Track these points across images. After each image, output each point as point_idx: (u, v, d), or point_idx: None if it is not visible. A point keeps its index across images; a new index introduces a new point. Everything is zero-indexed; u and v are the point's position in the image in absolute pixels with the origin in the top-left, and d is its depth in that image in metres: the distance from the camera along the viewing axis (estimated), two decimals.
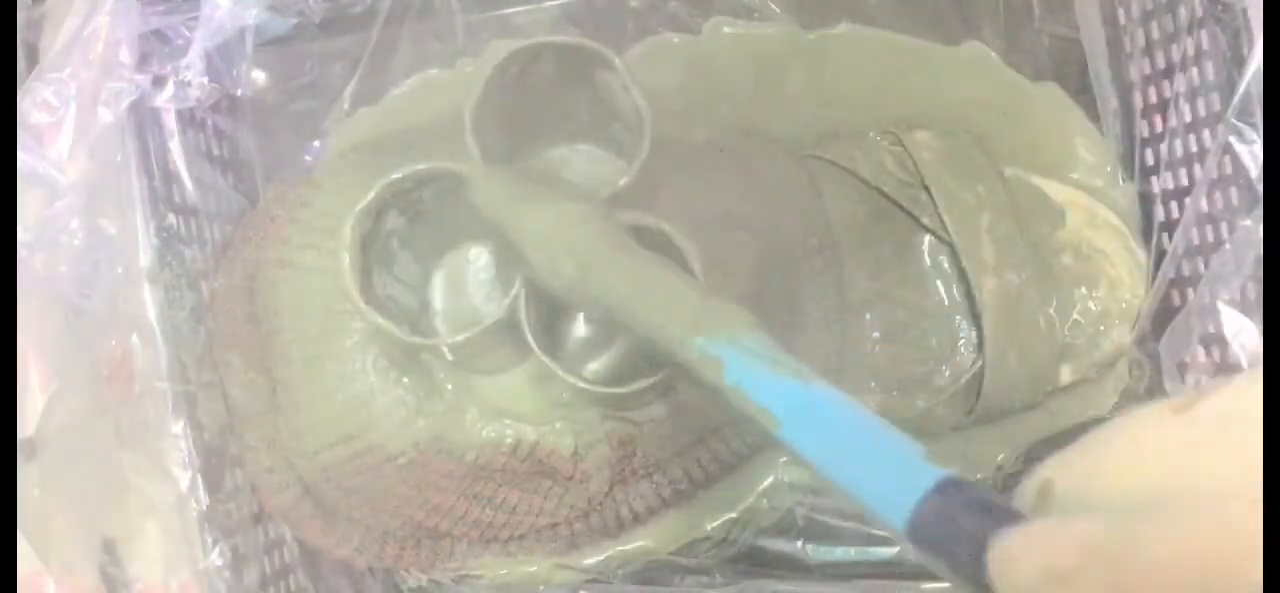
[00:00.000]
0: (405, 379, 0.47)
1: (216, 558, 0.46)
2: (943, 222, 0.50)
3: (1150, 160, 0.52)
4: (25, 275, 0.43)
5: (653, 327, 0.34)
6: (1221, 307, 0.46)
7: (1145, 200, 0.53)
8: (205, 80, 0.49)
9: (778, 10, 0.55)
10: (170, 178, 0.49)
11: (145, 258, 0.46)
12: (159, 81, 0.47)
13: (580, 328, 0.49)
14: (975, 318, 0.51)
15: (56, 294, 0.44)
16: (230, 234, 0.52)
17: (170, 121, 0.48)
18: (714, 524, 0.53)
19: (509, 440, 0.47)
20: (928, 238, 0.52)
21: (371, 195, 0.42)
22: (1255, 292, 0.45)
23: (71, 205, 0.43)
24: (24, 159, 0.42)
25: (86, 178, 0.44)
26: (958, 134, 0.53)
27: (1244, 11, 0.45)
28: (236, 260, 0.50)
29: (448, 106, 0.53)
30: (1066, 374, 0.51)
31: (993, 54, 0.55)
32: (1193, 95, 0.48)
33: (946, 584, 0.48)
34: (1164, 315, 0.50)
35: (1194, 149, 0.49)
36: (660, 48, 0.55)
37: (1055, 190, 0.52)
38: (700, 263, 0.42)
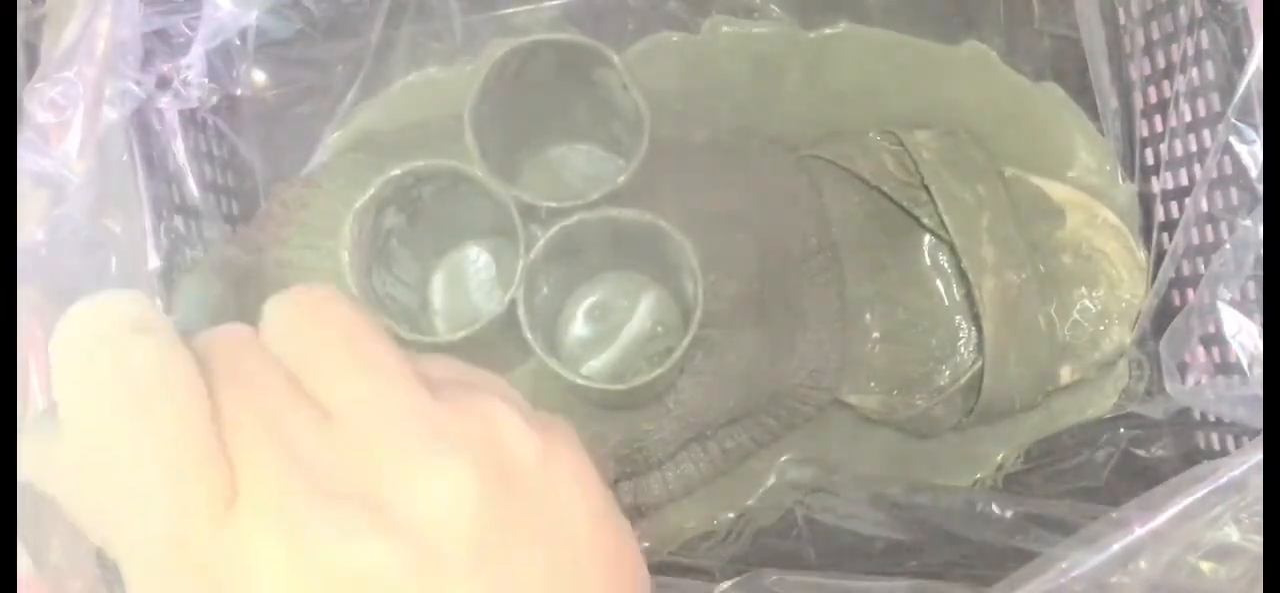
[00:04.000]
0: None
1: None
2: (943, 222, 0.50)
3: (1150, 160, 0.52)
4: (32, 274, 0.43)
5: None
6: (1221, 307, 0.46)
7: (1145, 200, 0.53)
8: (206, 81, 0.49)
9: (777, 9, 0.55)
10: (173, 178, 0.49)
11: (152, 257, 0.46)
12: (162, 82, 0.47)
13: (579, 327, 0.49)
14: (975, 318, 0.51)
15: (63, 293, 0.44)
16: (232, 235, 0.52)
17: (173, 122, 0.49)
18: (714, 524, 0.53)
19: None
20: (928, 238, 0.52)
21: (371, 192, 0.42)
22: (1255, 292, 0.45)
23: (80, 205, 0.43)
24: (32, 159, 0.42)
25: (93, 177, 0.44)
26: (958, 134, 0.53)
27: (1244, 11, 0.45)
28: (240, 264, 0.50)
29: (447, 105, 0.53)
30: (1066, 374, 0.51)
31: (993, 54, 0.55)
32: (1193, 95, 0.48)
33: (946, 585, 0.48)
34: (1164, 315, 0.50)
35: (1194, 149, 0.49)
36: (659, 47, 0.55)
37: (1055, 190, 0.52)
38: (699, 262, 0.42)
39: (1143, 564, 0.38)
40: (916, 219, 0.51)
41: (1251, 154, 0.45)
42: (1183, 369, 0.49)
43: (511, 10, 0.56)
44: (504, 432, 0.27)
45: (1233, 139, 0.45)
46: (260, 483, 0.24)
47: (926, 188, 0.51)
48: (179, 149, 0.49)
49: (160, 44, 0.47)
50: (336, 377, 0.26)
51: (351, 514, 0.24)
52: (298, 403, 0.26)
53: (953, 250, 0.50)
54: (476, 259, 0.49)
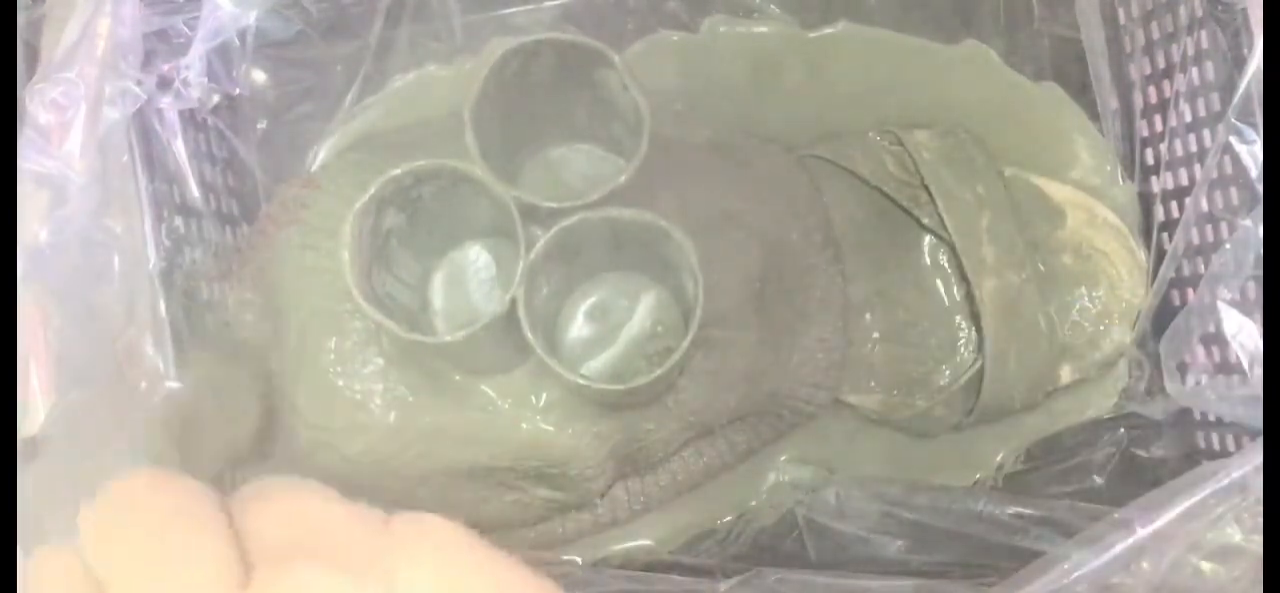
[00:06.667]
0: (405, 379, 0.47)
1: None
2: (943, 221, 0.50)
3: (1150, 160, 0.52)
4: (33, 275, 0.43)
5: None
6: (1221, 307, 0.46)
7: (1145, 200, 0.53)
8: (205, 81, 0.49)
9: (777, 9, 0.55)
10: (173, 178, 0.49)
11: (153, 258, 0.46)
12: (163, 82, 0.47)
13: (579, 327, 0.49)
14: (975, 318, 0.51)
15: (64, 294, 0.44)
16: (234, 235, 0.52)
17: (174, 122, 0.49)
18: (714, 523, 0.53)
19: (510, 440, 0.47)
20: (928, 238, 0.52)
21: (371, 192, 0.42)
22: (1255, 292, 0.45)
23: (81, 205, 0.43)
24: (34, 159, 0.42)
25: (95, 178, 0.44)
26: (957, 134, 0.53)
27: (1244, 11, 0.45)
28: (245, 266, 0.50)
29: (447, 105, 0.53)
30: (1066, 374, 0.51)
31: (993, 54, 0.55)
32: (1193, 95, 0.48)
33: (946, 584, 0.48)
34: (1164, 315, 0.50)
35: (1194, 149, 0.49)
36: (659, 47, 0.55)
37: (1055, 190, 0.52)
38: (699, 262, 0.42)
39: (1145, 565, 0.38)
40: (916, 219, 0.51)
41: (1251, 154, 0.45)
42: (1183, 369, 0.49)
43: (511, 10, 0.56)
44: None
45: (1233, 139, 0.45)
46: None
47: (926, 188, 0.51)
48: (179, 149, 0.49)
49: (160, 44, 0.47)
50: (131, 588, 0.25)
51: None
52: None
53: (953, 250, 0.50)
54: (476, 259, 0.49)
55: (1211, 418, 0.50)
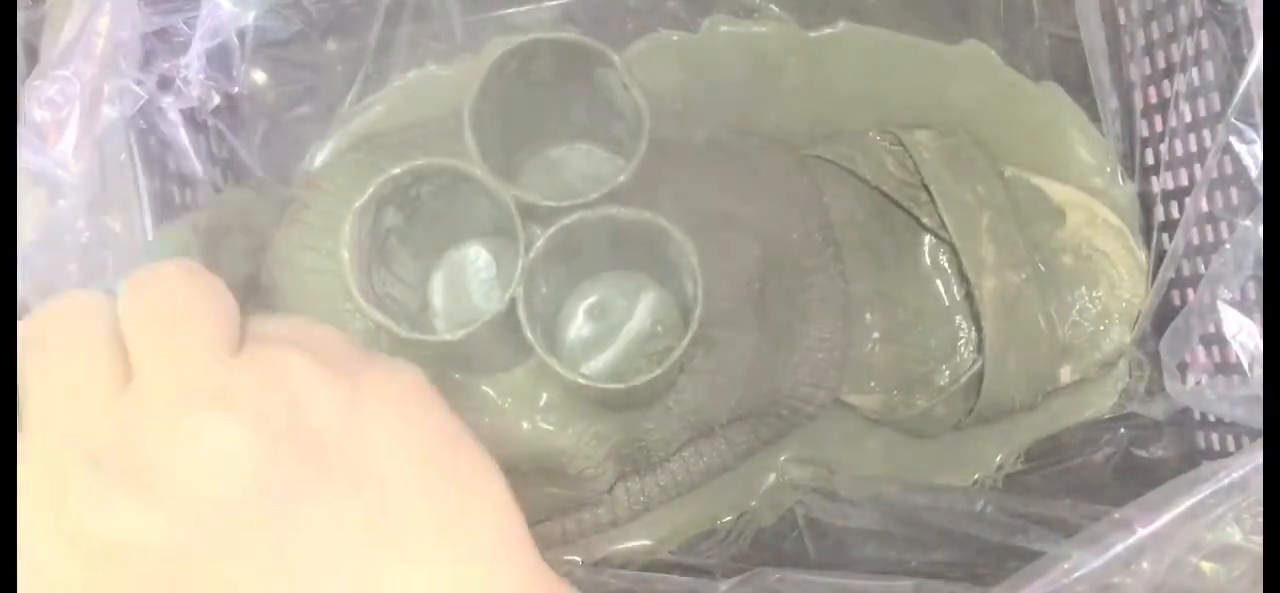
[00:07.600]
0: None
1: None
2: (943, 221, 0.50)
3: (1150, 160, 0.52)
4: (30, 275, 0.42)
5: None
6: (1221, 307, 0.46)
7: (1145, 200, 0.53)
8: (205, 80, 0.49)
9: (777, 9, 0.55)
10: (172, 178, 0.49)
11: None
12: (163, 82, 0.47)
13: (579, 326, 0.49)
14: (975, 318, 0.51)
15: (58, 292, 0.43)
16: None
17: (174, 122, 0.49)
18: (715, 523, 0.53)
19: (510, 439, 0.47)
20: (928, 238, 0.52)
21: (371, 191, 0.42)
22: (1255, 292, 0.45)
23: (77, 204, 0.43)
24: (30, 157, 0.42)
25: (92, 176, 0.44)
26: (958, 134, 0.53)
27: (1244, 11, 0.45)
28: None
29: (446, 104, 0.53)
30: (1066, 374, 0.51)
31: (993, 53, 0.55)
32: (1193, 95, 0.48)
33: (946, 585, 0.48)
34: (1164, 315, 0.50)
35: (1194, 149, 0.49)
36: (659, 46, 0.55)
37: (1055, 190, 0.52)
38: (699, 261, 0.42)
39: (1145, 565, 0.38)
40: (916, 219, 0.51)
41: (1251, 154, 0.45)
42: (1183, 369, 0.49)
43: (511, 10, 0.56)
44: (298, 385, 0.27)
45: (1233, 139, 0.45)
46: (34, 453, 0.25)
47: (926, 188, 0.51)
48: (179, 149, 0.49)
49: (160, 44, 0.47)
50: (142, 344, 0.27)
51: (110, 481, 0.24)
52: (99, 373, 0.26)
53: (953, 250, 0.50)
54: (476, 258, 0.49)
55: (1211, 418, 0.50)
